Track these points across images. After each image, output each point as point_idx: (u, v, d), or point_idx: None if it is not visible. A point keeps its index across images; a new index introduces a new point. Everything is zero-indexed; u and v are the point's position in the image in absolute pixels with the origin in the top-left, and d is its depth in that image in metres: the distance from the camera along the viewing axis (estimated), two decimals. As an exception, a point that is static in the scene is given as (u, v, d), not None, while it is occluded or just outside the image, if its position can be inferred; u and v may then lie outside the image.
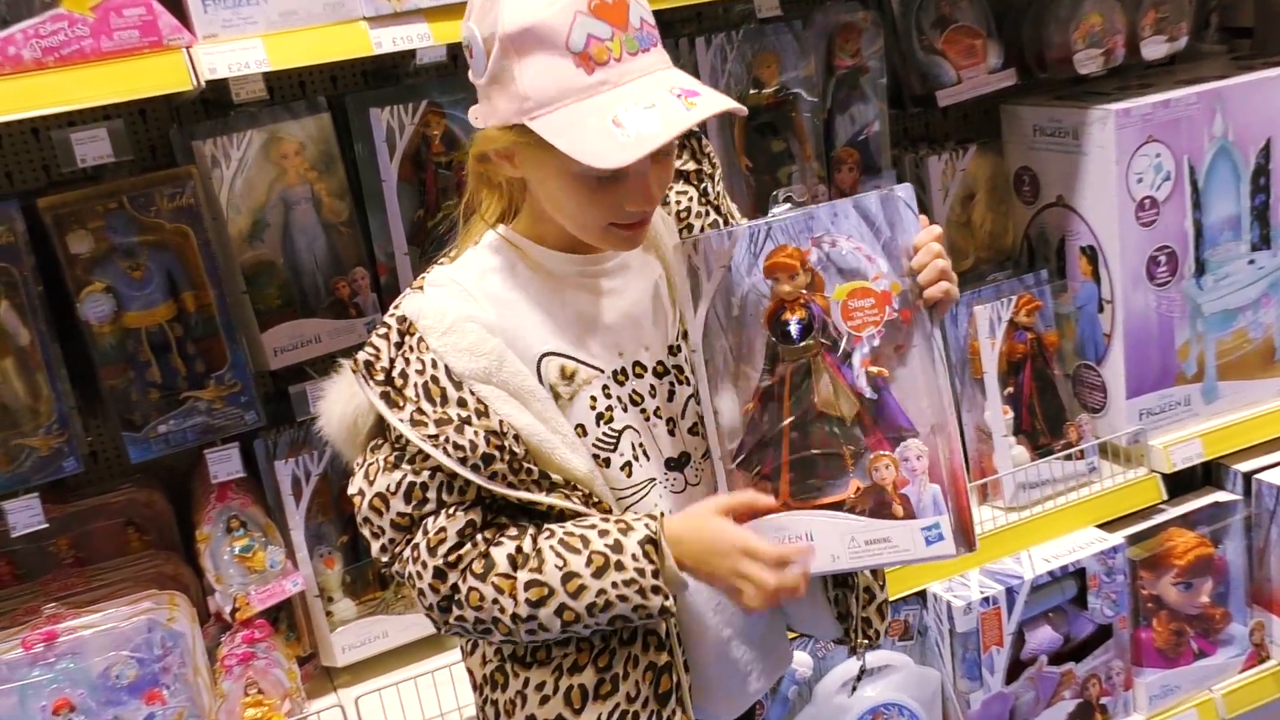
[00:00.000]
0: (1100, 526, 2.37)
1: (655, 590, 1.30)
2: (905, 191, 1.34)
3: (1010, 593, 2.23)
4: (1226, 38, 2.76)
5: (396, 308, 1.37)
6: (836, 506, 1.33)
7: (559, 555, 1.31)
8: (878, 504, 1.32)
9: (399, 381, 1.32)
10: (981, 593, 2.22)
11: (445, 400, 1.31)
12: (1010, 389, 2.36)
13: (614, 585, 1.29)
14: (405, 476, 1.32)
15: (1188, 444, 2.39)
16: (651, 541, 1.30)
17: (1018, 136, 2.46)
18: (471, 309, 1.34)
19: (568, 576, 1.30)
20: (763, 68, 2.24)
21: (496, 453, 1.30)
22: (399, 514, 1.32)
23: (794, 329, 1.34)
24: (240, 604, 1.97)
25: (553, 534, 1.33)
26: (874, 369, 1.33)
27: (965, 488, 1.32)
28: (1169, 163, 2.29)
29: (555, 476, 1.34)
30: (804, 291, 1.34)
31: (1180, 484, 2.46)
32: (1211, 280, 2.39)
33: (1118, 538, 2.34)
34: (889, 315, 1.32)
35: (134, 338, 1.89)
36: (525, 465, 1.33)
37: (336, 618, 2.12)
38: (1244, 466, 2.47)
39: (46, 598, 1.97)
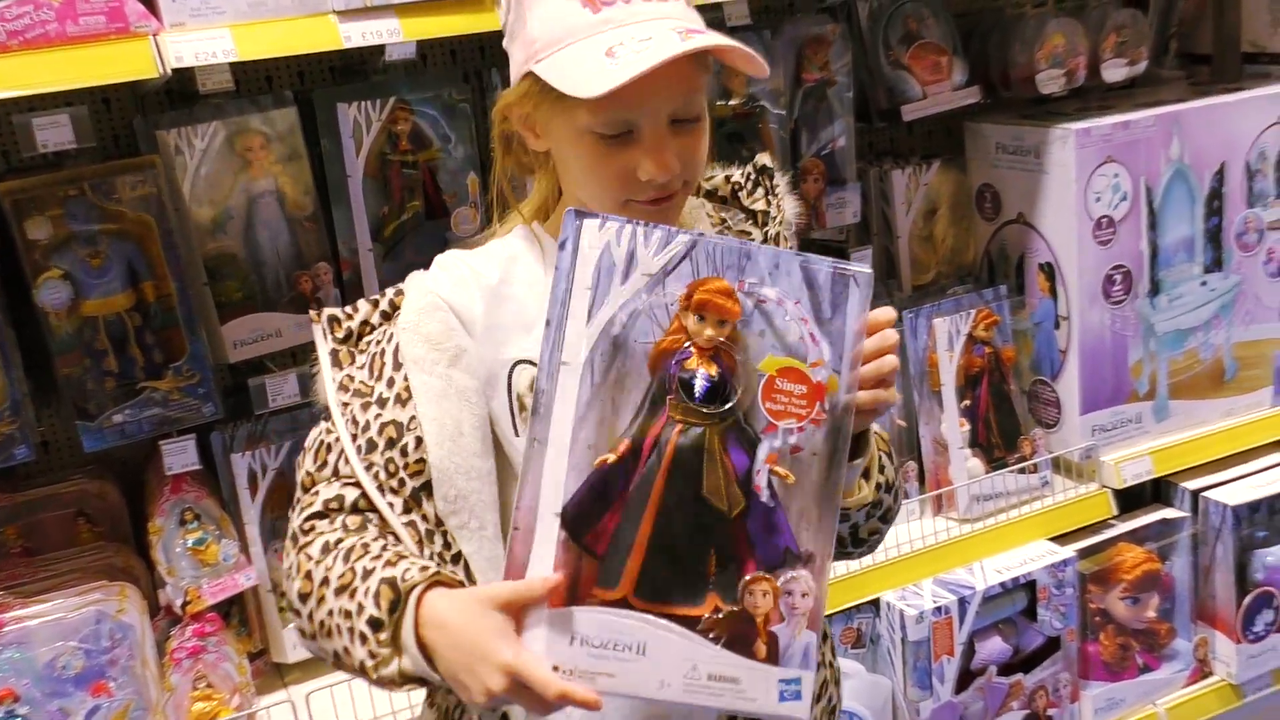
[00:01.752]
0: (1052, 540, 2.40)
1: (377, 640, 1.12)
2: (865, 278, 1.11)
3: (962, 603, 2.26)
4: (1185, 64, 2.82)
5: (407, 280, 1.36)
6: (688, 621, 1.07)
7: (337, 559, 1.19)
8: (739, 635, 1.07)
9: (358, 345, 1.31)
10: (934, 602, 2.24)
11: (379, 377, 1.27)
12: (967, 402, 2.39)
13: (339, 612, 1.16)
14: (320, 435, 1.28)
15: (1138, 461, 2.43)
16: (394, 589, 1.12)
17: (980, 153, 2.49)
18: (459, 297, 1.29)
19: (322, 582, 1.19)
20: (731, 78, 2.26)
21: (383, 443, 1.24)
22: (305, 472, 1.29)
23: (699, 385, 1.08)
24: (191, 597, 1.95)
25: (363, 539, 1.21)
26: (780, 469, 1.09)
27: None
28: (1127, 183, 2.33)
29: (438, 501, 1.24)
30: (722, 343, 1.09)
31: (1130, 500, 2.50)
32: (1165, 300, 2.43)
33: (1068, 551, 2.37)
34: (816, 413, 1.09)
35: (91, 326, 1.88)
36: (404, 475, 1.24)
37: (289, 614, 2.10)
38: (1192, 484, 2.51)
39: (-8, 588, 1.95)
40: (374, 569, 1.15)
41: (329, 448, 1.27)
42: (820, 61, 2.36)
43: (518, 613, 1.07)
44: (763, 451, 1.09)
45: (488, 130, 2.15)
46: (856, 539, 1.32)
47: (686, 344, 1.08)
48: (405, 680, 1.13)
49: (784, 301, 1.09)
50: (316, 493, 1.26)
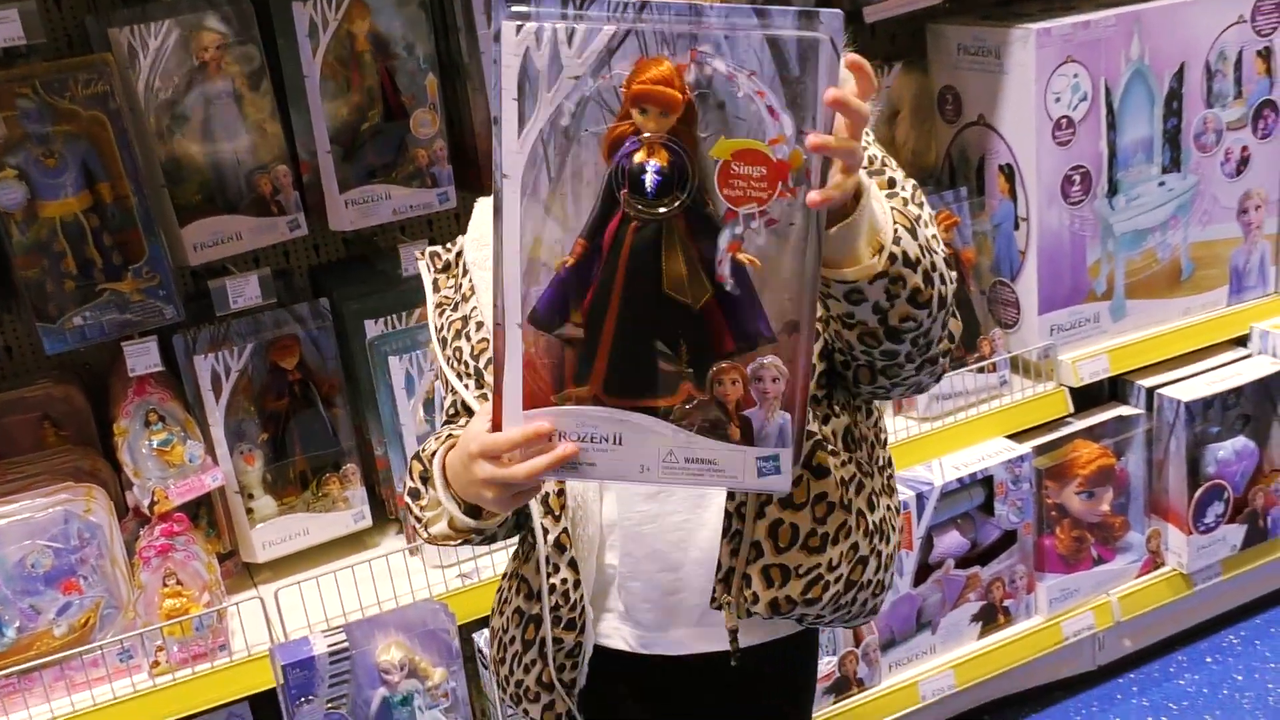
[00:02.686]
0: (1009, 437, 2.45)
1: (419, 506, 1.34)
2: (830, 18, 0.98)
3: (920, 498, 2.30)
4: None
5: None
6: (660, 412, 1.08)
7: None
8: (711, 422, 1.08)
9: (454, 270, 1.44)
10: (892, 498, 2.28)
11: (456, 288, 1.42)
12: (927, 303, 2.41)
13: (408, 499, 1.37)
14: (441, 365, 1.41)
15: (1095, 359, 2.47)
16: (421, 463, 1.33)
17: (942, 55, 2.49)
18: None
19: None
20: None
21: (451, 336, 1.37)
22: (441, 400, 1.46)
23: (649, 179, 1.02)
24: (159, 498, 1.97)
25: (440, 435, 1.36)
26: (743, 255, 1.04)
27: (806, 411, 1.11)
28: (1086, 84, 2.34)
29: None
30: (674, 127, 1.01)
31: (1087, 398, 2.54)
32: (1123, 201, 2.46)
33: (1025, 448, 2.42)
34: (779, 193, 1.02)
35: (49, 227, 1.87)
36: (468, 359, 1.35)
37: (257, 515, 2.13)
38: (1147, 382, 2.55)
39: (-42, 490, 1.97)
40: (415, 454, 1.36)
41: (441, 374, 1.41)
42: (782, -40, 2.34)
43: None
44: (723, 241, 1.04)
45: (446, 31, 2.17)
46: (889, 328, 1.16)
47: (634, 135, 1.02)
48: (458, 531, 1.29)
49: (735, 75, 0.99)
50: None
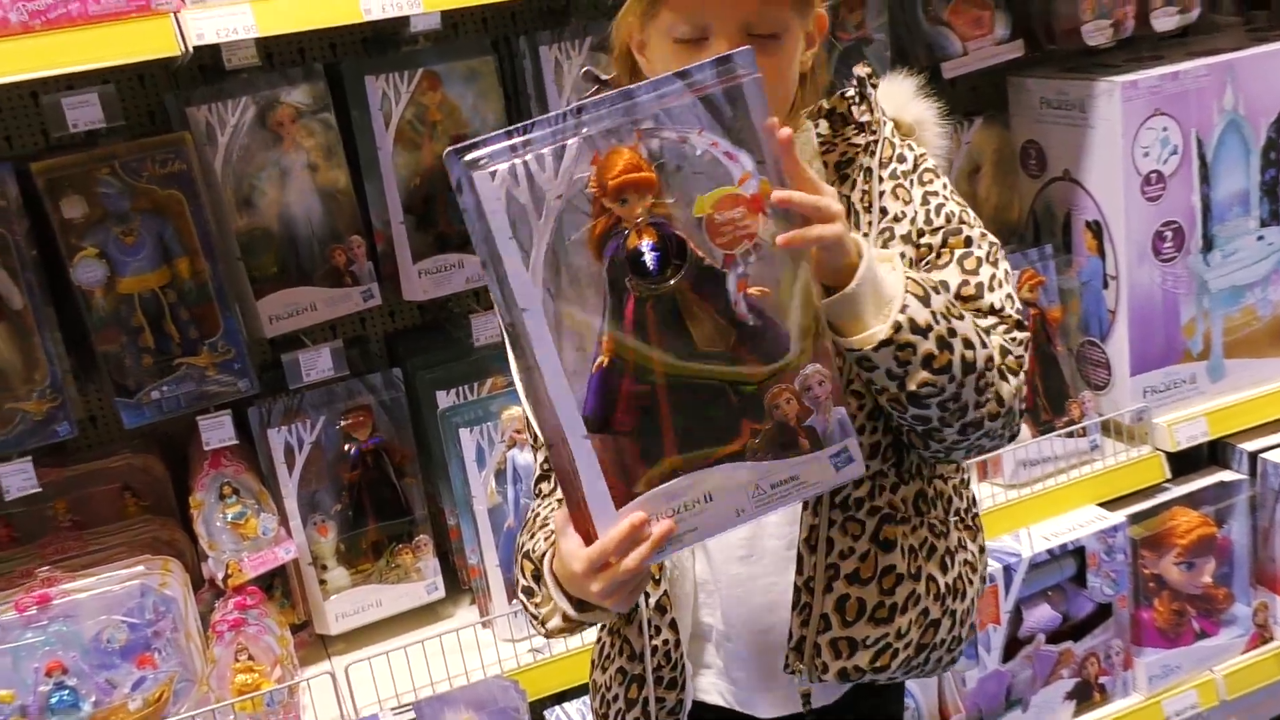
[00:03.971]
0: (1102, 505, 2.35)
1: (534, 604, 1.32)
2: (743, 55, 1.08)
3: (1008, 570, 2.22)
4: (1243, 9, 2.71)
5: None
6: (735, 456, 1.13)
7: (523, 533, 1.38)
8: (781, 445, 1.13)
9: None
10: (978, 570, 2.20)
11: None
12: (1012, 365, 2.33)
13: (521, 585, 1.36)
14: None
15: (1193, 422, 2.36)
16: (533, 563, 1.32)
17: (1024, 109, 2.42)
18: None
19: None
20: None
21: None
22: None
23: (649, 259, 1.08)
24: (232, 570, 1.97)
25: (535, 507, 1.39)
26: (755, 289, 1.10)
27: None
28: (1176, 136, 2.26)
29: None
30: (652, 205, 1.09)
31: (1184, 463, 2.43)
32: (1219, 256, 2.35)
33: (1119, 516, 2.31)
34: (764, 224, 1.09)
35: (127, 303, 1.90)
36: None
37: (330, 586, 2.13)
38: (1250, 446, 2.43)
39: (42, 561, 1.99)
40: (524, 543, 1.35)
41: None
42: (856, 20, 2.30)
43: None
44: (731, 284, 1.10)
45: (517, 97, 2.17)
46: (909, 394, 1.17)
47: (620, 225, 1.08)
48: (570, 624, 1.28)
49: (687, 136, 1.08)
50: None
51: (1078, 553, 2.28)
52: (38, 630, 1.84)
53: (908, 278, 1.17)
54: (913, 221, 1.28)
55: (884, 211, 1.29)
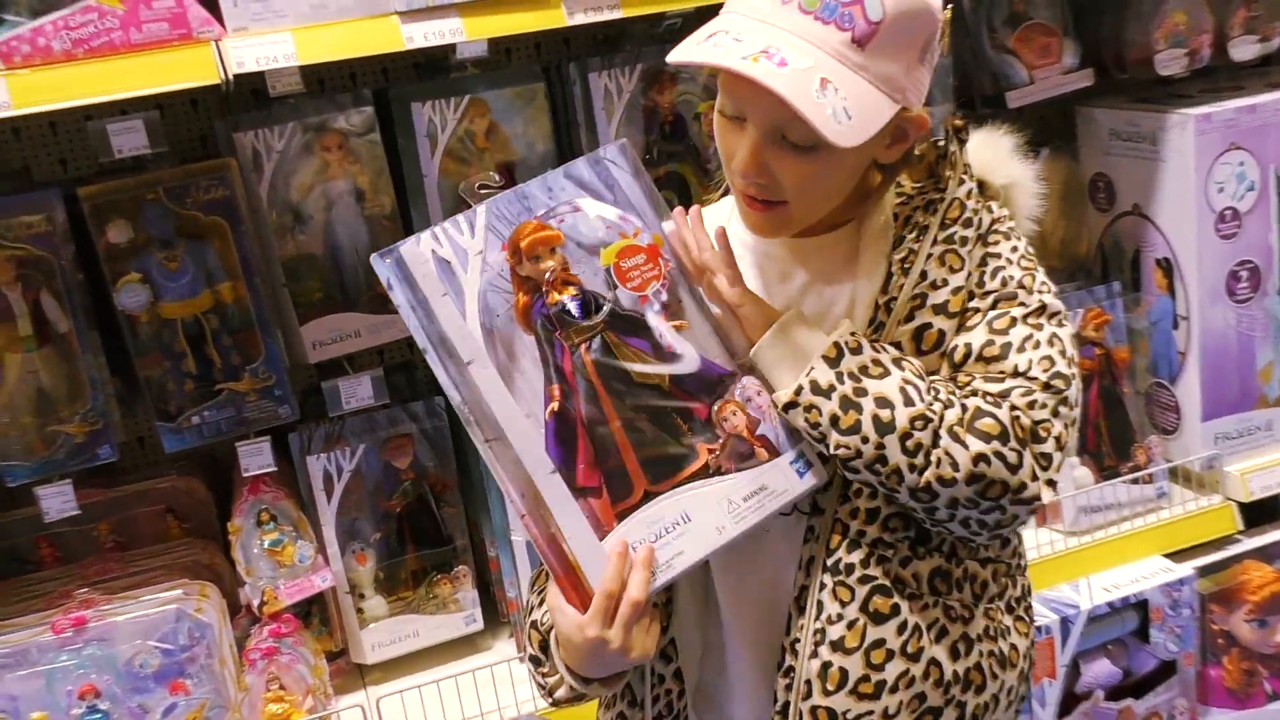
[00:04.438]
0: (1168, 556, 2.24)
1: (541, 674, 1.30)
2: (615, 152, 1.22)
3: (1065, 622, 2.12)
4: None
5: None
6: (699, 475, 1.19)
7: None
8: (740, 454, 1.20)
9: None
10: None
11: None
12: (1075, 407, 2.24)
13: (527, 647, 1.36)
14: None
15: (1268, 471, 2.25)
16: (540, 633, 1.30)
17: (1093, 141, 2.34)
18: None
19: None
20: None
21: None
22: None
23: (574, 307, 1.19)
24: (268, 598, 1.96)
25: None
26: (675, 322, 1.21)
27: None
28: (1254, 172, 2.15)
29: None
30: (561, 271, 1.20)
31: (1258, 514, 2.32)
32: (1298, 298, 2.25)
33: (1186, 569, 2.21)
34: (665, 267, 1.21)
35: (170, 328, 1.90)
36: None
37: (367, 615, 2.11)
38: (1330, 498, 2.31)
39: (84, 581, 2.00)
40: (530, 604, 1.35)
41: None
42: (918, 47, 2.24)
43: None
44: (653, 320, 1.21)
45: (567, 126, 2.14)
46: (836, 457, 1.18)
47: (540, 289, 1.19)
48: (577, 695, 1.27)
49: (579, 208, 1.20)
50: None
51: (1140, 606, 2.18)
52: (73, 653, 1.85)
53: (837, 341, 1.18)
54: (955, 291, 1.22)
55: (923, 276, 1.23)
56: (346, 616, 2.10)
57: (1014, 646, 1.29)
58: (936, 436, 1.15)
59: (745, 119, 1.17)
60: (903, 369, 1.18)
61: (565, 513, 1.15)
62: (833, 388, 1.17)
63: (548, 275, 1.18)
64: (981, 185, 1.29)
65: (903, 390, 1.16)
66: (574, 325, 1.19)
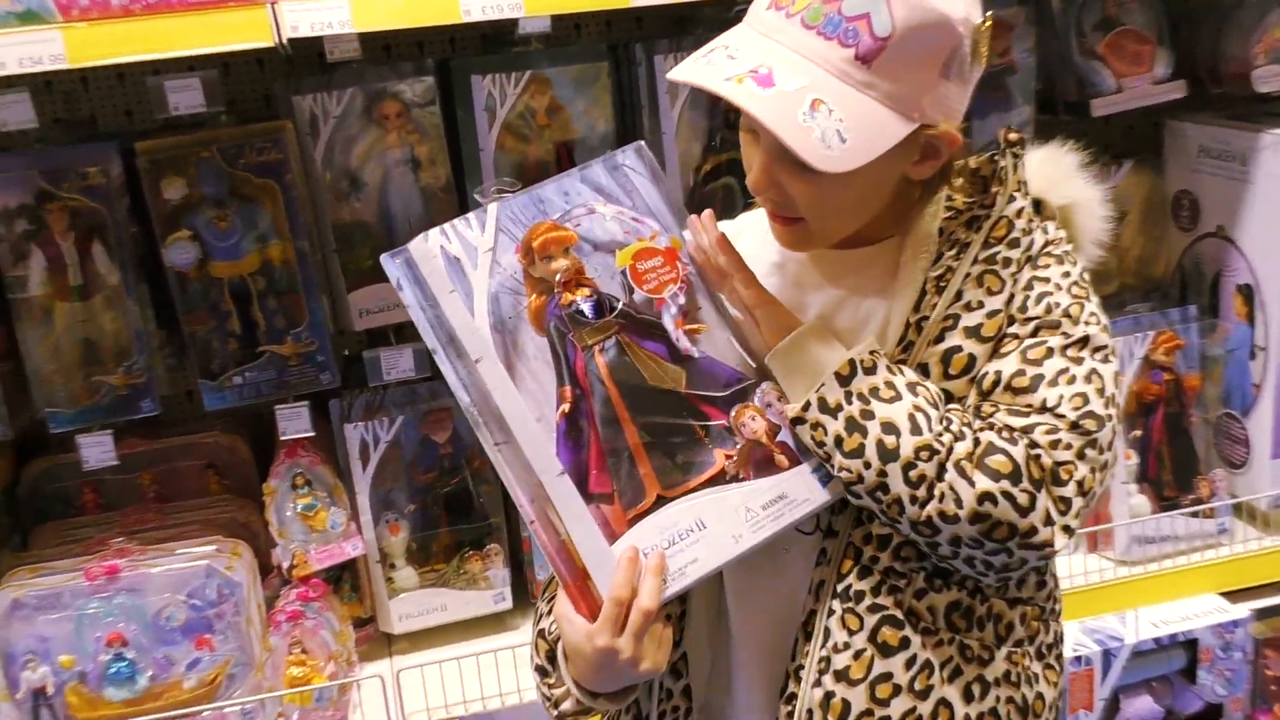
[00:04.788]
0: (1224, 595, 2.15)
1: (548, 685, 1.26)
2: (632, 156, 1.19)
3: (1107, 655, 2.05)
4: None
5: None
6: (715, 481, 1.15)
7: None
8: (760, 461, 1.15)
9: None
10: (1075, 650, 2.04)
11: None
12: (1138, 432, 2.15)
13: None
14: None
15: (1339, 516, 2.14)
16: (546, 641, 1.27)
17: (1180, 156, 2.23)
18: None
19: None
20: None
21: None
22: None
23: (587, 308, 1.16)
24: (298, 561, 1.97)
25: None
26: (691, 326, 1.17)
27: None
28: (1349, 200, 2.04)
29: None
30: (576, 272, 1.16)
31: (1325, 559, 2.21)
32: (1388, 336, 2.12)
33: (1242, 609, 2.11)
34: (683, 270, 1.18)
35: (217, 287, 1.91)
36: None
37: (397, 585, 2.11)
38: (1405, 548, 2.19)
39: (122, 530, 2.03)
40: (540, 613, 1.30)
41: None
42: (1000, 46, 2.15)
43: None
44: (669, 323, 1.17)
45: (631, 107, 2.10)
46: (841, 479, 1.13)
47: (555, 289, 1.15)
48: (584, 709, 1.23)
49: (594, 209, 1.17)
50: None
51: (1190, 645, 2.10)
52: (103, 600, 1.87)
53: (853, 359, 1.13)
54: (990, 315, 1.16)
55: (958, 296, 1.17)
56: (376, 585, 2.10)
57: (1040, 696, 1.23)
58: (942, 469, 1.10)
59: (759, 134, 1.13)
60: (916, 395, 1.13)
61: (574, 517, 1.12)
62: (840, 407, 1.12)
63: (560, 276, 1.15)
64: (1038, 204, 1.22)
65: (911, 417, 1.11)
66: (587, 326, 1.16)
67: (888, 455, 1.10)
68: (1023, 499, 1.09)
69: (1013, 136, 1.20)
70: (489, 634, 2.13)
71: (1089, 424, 1.11)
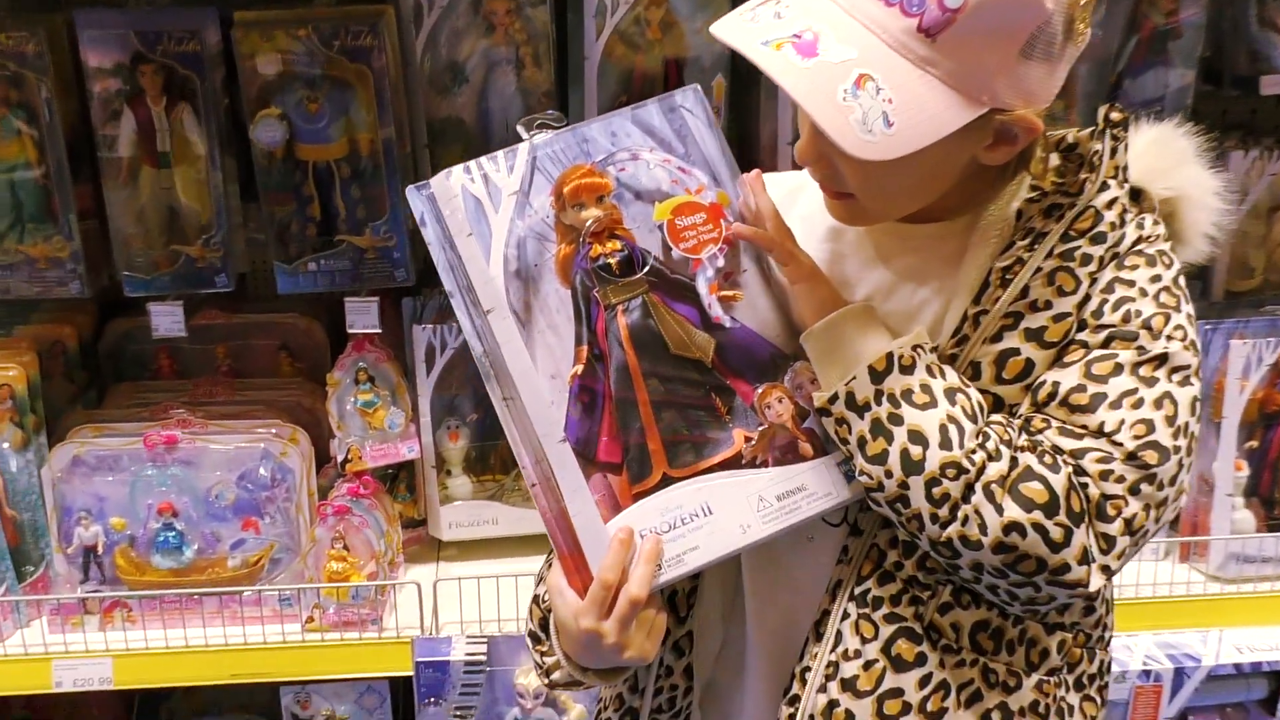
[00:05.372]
0: (1322, 629, 1.99)
1: (540, 651, 1.20)
2: (691, 98, 1.09)
3: (1179, 674, 1.91)
4: None
5: None
6: (730, 464, 1.06)
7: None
8: (782, 447, 1.07)
9: None
10: (1145, 664, 1.91)
11: None
12: (1254, 443, 1.98)
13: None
14: None
15: None
16: (540, 607, 1.21)
17: (1353, 147, 2.01)
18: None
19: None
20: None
21: None
22: None
23: (615, 262, 1.06)
24: (353, 456, 1.96)
25: None
26: (726, 293, 1.07)
27: None
28: None
29: None
30: (611, 220, 1.07)
31: None
32: None
33: (1340, 648, 1.95)
34: (726, 230, 1.07)
35: (301, 170, 1.87)
36: None
37: (451, 492, 2.08)
38: None
39: (190, 399, 2.04)
40: (542, 575, 1.25)
41: None
42: (1166, 6, 1.95)
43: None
44: (703, 287, 1.08)
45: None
46: (860, 475, 1.04)
47: (583, 240, 1.06)
48: (573, 680, 1.16)
49: (638, 155, 1.07)
50: None
51: (1275, 675, 1.95)
52: (159, 469, 1.88)
53: (891, 352, 1.02)
54: (1057, 318, 1.03)
55: (1023, 292, 1.04)
56: (429, 490, 2.08)
57: None
58: (969, 490, 0.99)
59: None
60: (954, 403, 1.01)
61: (572, 488, 1.04)
62: (868, 406, 1.02)
63: (590, 225, 1.05)
64: (1136, 193, 1.08)
65: (943, 428, 1.00)
66: (614, 283, 1.06)
67: (911, 467, 1.00)
68: (1056, 533, 0.98)
69: (1115, 115, 1.05)
70: (536, 553, 2.08)
71: (1149, 456, 0.98)
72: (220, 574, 1.90)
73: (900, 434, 1.00)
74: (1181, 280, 1.06)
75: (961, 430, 1.00)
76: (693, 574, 1.07)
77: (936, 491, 0.99)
